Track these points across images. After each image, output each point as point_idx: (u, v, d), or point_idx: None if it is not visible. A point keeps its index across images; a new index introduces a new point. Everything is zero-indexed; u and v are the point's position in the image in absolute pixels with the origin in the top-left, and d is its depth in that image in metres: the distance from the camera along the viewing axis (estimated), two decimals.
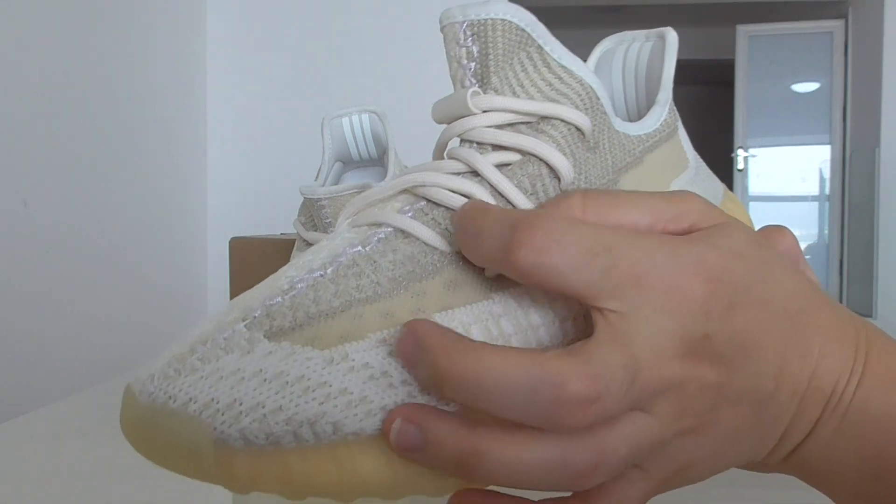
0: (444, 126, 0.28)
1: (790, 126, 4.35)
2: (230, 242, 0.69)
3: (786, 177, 4.39)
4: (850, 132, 4.12)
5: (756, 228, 0.33)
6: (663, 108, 0.32)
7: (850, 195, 4.08)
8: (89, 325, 1.39)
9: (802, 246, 4.55)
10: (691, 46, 5.62)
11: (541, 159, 0.26)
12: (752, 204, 4.41)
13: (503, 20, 0.27)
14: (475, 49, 0.27)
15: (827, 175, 4.30)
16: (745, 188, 4.39)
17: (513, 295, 0.25)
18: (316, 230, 0.53)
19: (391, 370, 0.23)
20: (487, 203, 0.25)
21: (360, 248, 0.26)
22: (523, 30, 0.27)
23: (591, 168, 0.27)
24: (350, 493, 0.23)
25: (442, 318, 0.24)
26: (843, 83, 4.17)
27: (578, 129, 0.27)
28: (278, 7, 2.09)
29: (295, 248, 0.55)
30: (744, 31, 4.35)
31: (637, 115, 0.35)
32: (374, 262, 0.25)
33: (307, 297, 0.24)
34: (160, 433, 0.24)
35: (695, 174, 0.33)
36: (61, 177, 1.32)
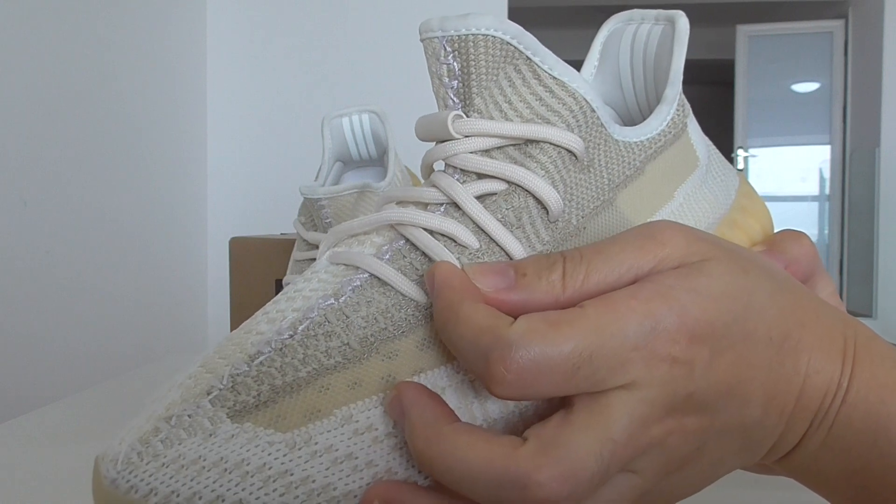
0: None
1: (790, 126, 4.35)
2: (230, 242, 0.69)
3: (786, 177, 4.39)
4: (850, 132, 4.12)
5: (774, 229, 0.32)
6: (670, 106, 0.29)
7: (850, 195, 4.08)
8: (89, 325, 1.39)
9: None
10: (691, 46, 5.59)
11: (527, 190, 0.25)
12: None
13: (485, 35, 0.25)
14: (456, 66, 0.25)
15: (827, 175, 4.30)
16: None
17: None
18: (316, 230, 0.53)
19: (356, 451, 0.23)
20: (457, 303, 0.23)
21: (332, 300, 0.24)
22: (509, 43, 0.25)
23: (583, 191, 0.26)
24: None
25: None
26: (843, 83, 4.16)
27: (569, 151, 0.25)
28: (278, 7, 2.09)
29: (295, 248, 0.55)
30: (744, 31, 4.35)
31: (647, 105, 0.33)
32: (346, 317, 0.24)
33: (273, 366, 0.23)
34: None
35: (705, 173, 0.31)
36: (61, 177, 1.32)
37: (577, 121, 0.26)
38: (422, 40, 0.26)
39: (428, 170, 0.27)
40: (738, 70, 4.36)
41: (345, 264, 0.26)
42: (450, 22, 0.25)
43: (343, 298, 0.24)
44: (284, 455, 0.22)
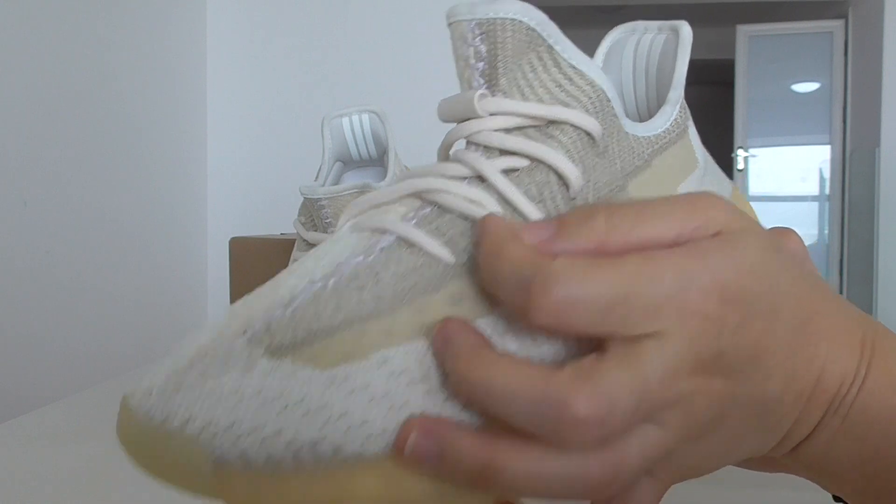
0: (450, 126, 0.27)
1: (790, 126, 4.35)
2: (230, 242, 0.69)
3: (786, 177, 4.39)
4: (850, 132, 4.12)
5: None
6: (674, 108, 0.31)
7: (850, 195, 4.08)
8: (89, 325, 1.39)
9: None
10: (691, 46, 5.60)
11: (549, 166, 0.26)
12: (752, 204, 4.40)
13: (513, 20, 0.26)
14: (483, 49, 0.26)
15: (827, 175, 4.30)
16: (746, 188, 4.39)
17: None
18: (316, 230, 0.53)
19: (392, 391, 0.23)
20: (503, 241, 0.24)
21: (361, 258, 0.25)
22: (533, 29, 0.26)
23: (599, 174, 0.27)
24: None
25: None
26: (843, 83, 4.16)
27: (588, 133, 0.26)
28: (278, 7, 2.09)
29: (295, 249, 0.55)
30: (744, 31, 4.35)
31: (647, 111, 0.34)
32: (377, 274, 0.24)
33: (308, 312, 0.24)
34: (158, 451, 0.23)
35: (703, 175, 0.32)
36: (61, 177, 1.32)
37: (595, 108, 0.27)
38: (449, 24, 0.27)
39: (446, 150, 0.28)
40: (738, 70, 4.36)
41: (370, 229, 0.26)
42: (479, 7, 0.26)
43: (372, 257, 0.25)
44: (323, 391, 0.22)
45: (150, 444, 0.23)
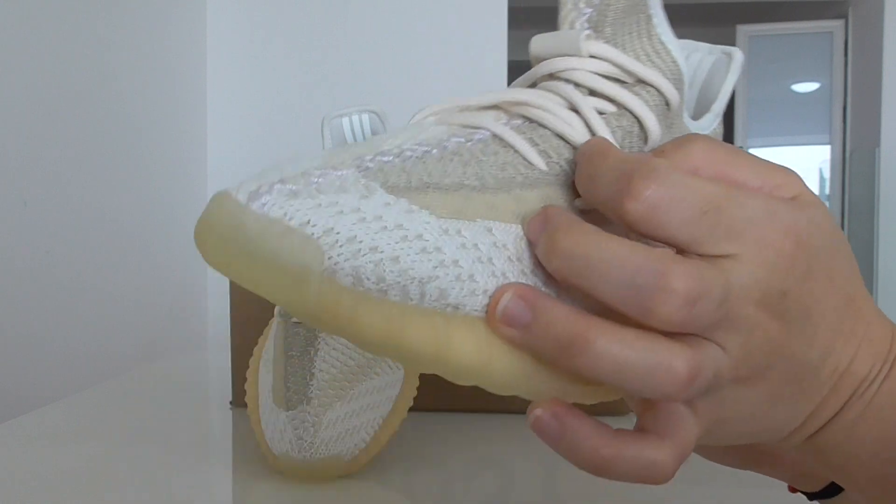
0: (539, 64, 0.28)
1: (790, 126, 4.35)
2: None
3: None
4: (850, 132, 4.12)
5: None
6: (716, 118, 0.32)
7: (850, 195, 4.08)
8: (89, 325, 1.39)
9: None
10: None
11: (636, 117, 0.27)
12: None
13: None
14: None
15: (827, 175, 4.30)
16: None
17: None
18: None
19: (495, 258, 0.23)
20: (608, 144, 0.25)
21: (462, 139, 0.25)
22: None
23: (665, 141, 0.28)
24: (435, 364, 0.23)
25: None
26: (843, 83, 4.16)
27: (667, 103, 0.27)
28: (278, 7, 2.09)
29: None
30: (744, 31, 4.34)
31: None
32: (478, 157, 0.25)
33: (419, 167, 0.24)
34: (263, 247, 0.22)
35: None
36: (61, 177, 1.32)
37: (673, 84, 0.28)
38: None
39: (526, 82, 0.28)
40: None
41: (460, 124, 0.26)
42: None
43: (470, 143, 0.25)
44: (438, 235, 0.23)
45: (255, 238, 0.22)
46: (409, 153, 0.24)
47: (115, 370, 1.39)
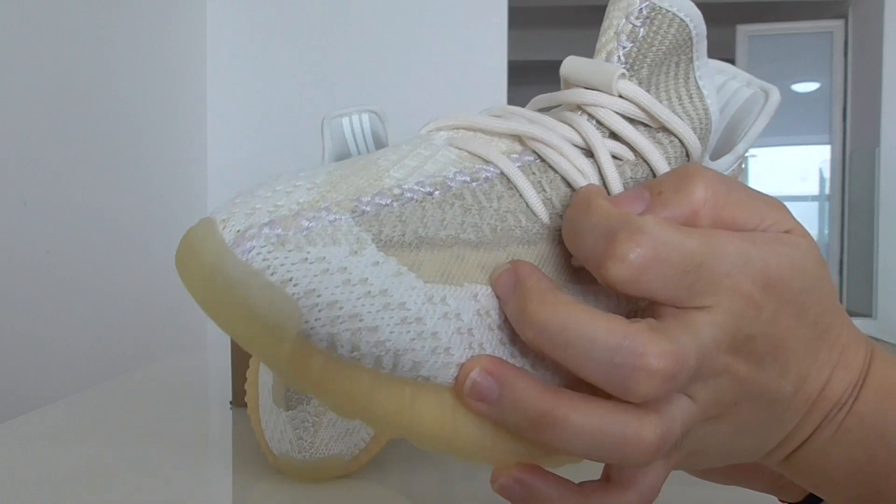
0: (569, 88, 0.27)
1: (790, 126, 4.35)
2: None
3: (786, 177, 4.39)
4: (850, 132, 4.12)
5: None
6: (737, 160, 0.31)
7: (850, 195, 4.08)
8: (89, 324, 1.39)
9: None
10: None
11: (652, 169, 0.26)
12: None
13: (682, 20, 0.26)
14: (641, 32, 0.26)
15: (827, 175, 4.30)
16: None
17: (585, 291, 0.25)
18: None
19: (475, 328, 0.23)
20: (594, 195, 0.24)
21: (467, 178, 0.24)
22: (691, 39, 0.26)
23: None
24: (401, 430, 0.23)
25: None
26: (843, 83, 4.16)
27: (687, 153, 0.27)
28: (278, 7, 2.09)
29: None
30: (744, 31, 4.34)
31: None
32: (480, 203, 0.24)
33: (416, 215, 0.23)
34: (241, 296, 0.21)
35: None
36: (61, 177, 1.32)
37: (699, 133, 0.27)
38: None
39: (547, 104, 0.28)
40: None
41: (470, 152, 0.25)
42: None
43: (476, 184, 0.24)
44: (421, 304, 0.22)
45: (236, 285, 0.21)
46: (409, 195, 0.23)
47: (115, 370, 1.39)
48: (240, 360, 0.70)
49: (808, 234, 0.26)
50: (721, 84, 0.33)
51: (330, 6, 2.09)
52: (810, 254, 0.25)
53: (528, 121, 0.26)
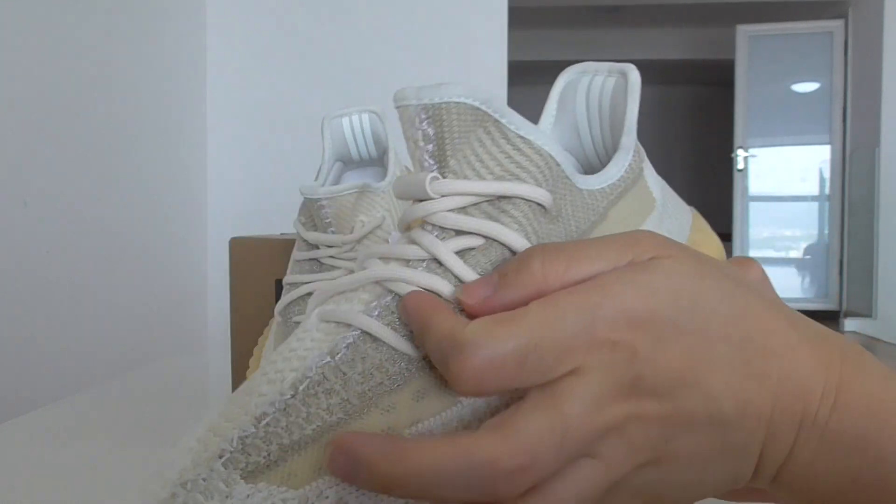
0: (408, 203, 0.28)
1: (790, 126, 4.36)
2: (230, 242, 0.69)
3: (786, 177, 4.39)
4: (850, 132, 4.12)
5: (736, 250, 0.33)
6: (627, 154, 0.31)
7: (850, 195, 4.08)
8: (90, 324, 1.39)
9: (802, 246, 4.46)
10: (691, 46, 5.62)
11: (502, 244, 0.26)
12: (752, 204, 4.41)
13: (457, 103, 0.26)
14: (431, 131, 0.27)
15: (827, 175, 4.30)
16: (745, 188, 4.39)
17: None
18: (316, 230, 0.53)
19: None
20: (427, 316, 0.24)
21: (329, 358, 0.25)
22: (478, 108, 0.27)
23: (553, 239, 0.28)
24: None
25: (413, 433, 0.24)
26: (843, 83, 4.17)
27: (539, 204, 0.27)
28: (278, 7, 2.10)
29: (295, 249, 0.55)
30: (744, 31, 4.35)
31: (604, 152, 0.35)
32: (344, 374, 0.25)
33: (279, 426, 0.24)
34: None
35: (661, 213, 0.33)
36: (61, 177, 1.32)
37: (544, 175, 0.27)
38: (397, 107, 0.27)
39: (406, 226, 0.29)
40: (738, 70, 4.36)
41: (335, 322, 0.27)
42: (424, 91, 0.26)
43: (338, 356, 0.25)
44: None
45: None
46: (272, 410, 0.24)
47: (115, 370, 1.39)
48: (240, 361, 0.70)
49: (678, 253, 0.25)
50: (588, 84, 0.34)
51: (330, 6, 2.09)
52: (676, 272, 0.24)
53: (382, 260, 0.27)
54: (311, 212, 0.53)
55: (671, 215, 0.34)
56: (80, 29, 1.39)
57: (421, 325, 0.24)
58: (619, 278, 0.24)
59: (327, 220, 0.51)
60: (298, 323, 0.53)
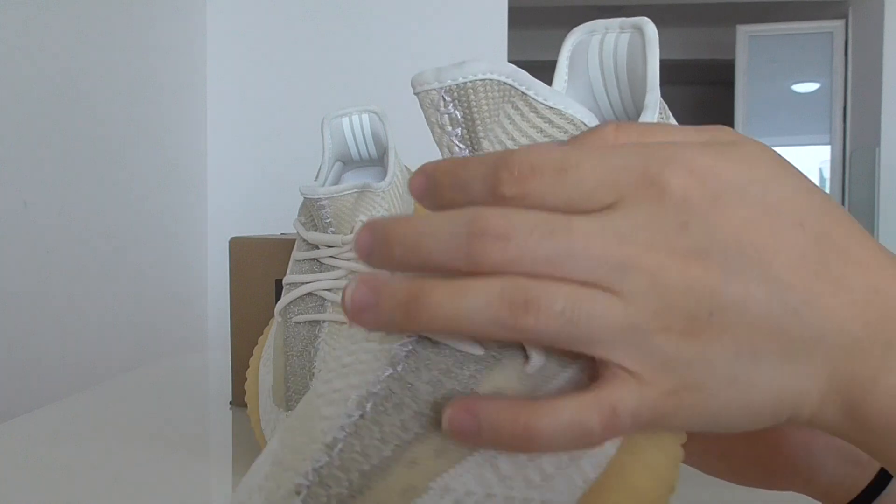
0: None
1: (790, 126, 4.36)
2: (230, 242, 0.69)
3: None
4: (850, 132, 4.12)
5: None
6: (654, 112, 0.30)
7: (850, 195, 4.08)
8: (89, 325, 1.39)
9: None
10: (691, 46, 5.62)
11: None
12: None
13: (483, 80, 0.25)
14: (458, 114, 0.26)
15: (827, 175, 4.30)
16: None
17: (546, 376, 0.23)
18: (316, 230, 0.53)
19: None
20: (452, 160, 0.23)
21: (390, 370, 0.23)
22: (505, 83, 0.26)
23: None
24: None
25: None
26: (843, 83, 4.17)
27: None
28: (278, 7, 2.10)
29: (295, 249, 0.55)
30: (744, 31, 4.35)
31: (622, 111, 0.33)
32: (411, 385, 0.23)
33: (354, 451, 0.22)
34: None
35: None
36: (61, 177, 1.32)
37: None
38: (416, 93, 0.26)
39: None
40: (738, 70, 4.36)
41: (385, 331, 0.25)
42: (446, 72, 0.25)
43: (400, 367, 0.23)
44: None
45: None
46: (342, 435, 0.22)
47: (115, 370, 1.39)
48: (240, 360, 0.70)
49: (760, 144, 0.23)
50: (599, 43, 0.32)
51: (330, 6, 2.09)
52: (762, 154, 0.22)
53: None
54: (311, 212, 0.53)
55: None
56: (80, 29, 1.39)
57: (451, 164, 0.23)
58: (690, 144, 0.22)
59: (327, 220, 0.51)
60: (299, 323, 0.53)
